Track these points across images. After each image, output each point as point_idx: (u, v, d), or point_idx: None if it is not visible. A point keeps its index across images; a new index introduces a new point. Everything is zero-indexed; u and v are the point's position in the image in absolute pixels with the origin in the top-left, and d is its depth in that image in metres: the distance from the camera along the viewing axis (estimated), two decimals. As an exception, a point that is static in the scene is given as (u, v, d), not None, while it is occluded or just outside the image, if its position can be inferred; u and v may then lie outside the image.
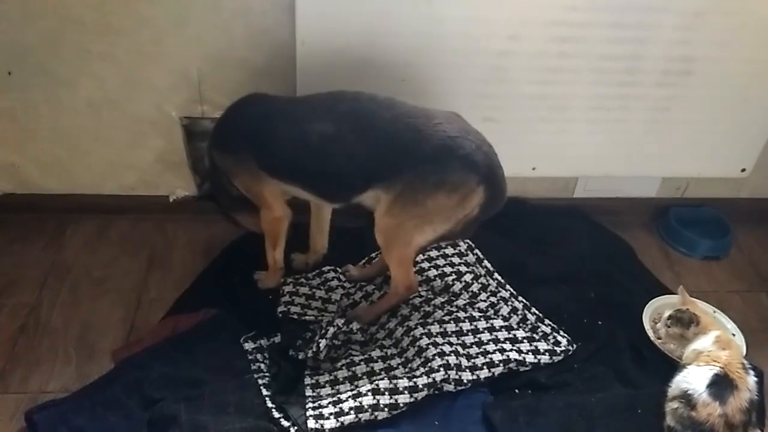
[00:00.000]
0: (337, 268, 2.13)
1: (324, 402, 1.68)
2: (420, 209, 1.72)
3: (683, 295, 1.87)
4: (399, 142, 1.69)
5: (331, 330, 1.82)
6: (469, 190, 1.71)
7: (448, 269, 2.13)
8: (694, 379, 1.60)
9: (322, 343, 1.79)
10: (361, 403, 1.66)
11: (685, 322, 1.76)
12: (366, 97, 1.75)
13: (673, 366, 1.81)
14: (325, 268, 2.12)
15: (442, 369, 1.74)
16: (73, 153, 2.19)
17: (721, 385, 1.56)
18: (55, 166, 2.21)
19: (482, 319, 1.97)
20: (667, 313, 1.80)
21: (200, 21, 1.95)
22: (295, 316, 1.94)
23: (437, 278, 2.10)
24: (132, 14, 1.92)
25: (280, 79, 2.02)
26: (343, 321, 1.86)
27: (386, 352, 1.85)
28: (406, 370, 1.78)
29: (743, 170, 2.33)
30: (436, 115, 1.73)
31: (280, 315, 1.94)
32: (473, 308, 2.00)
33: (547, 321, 2.00)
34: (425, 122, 1.70)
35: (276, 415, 1.67)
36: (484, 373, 1.78)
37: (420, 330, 1.86)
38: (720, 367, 1.59)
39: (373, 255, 2.18)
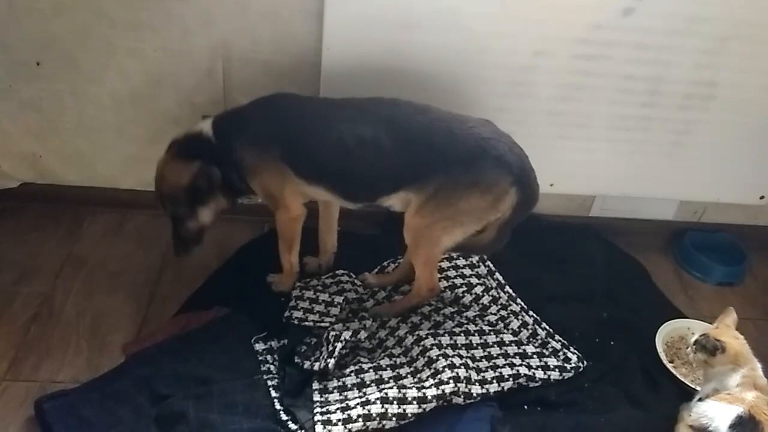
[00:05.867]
0: (351, 273, 2.13)
1: (332, 408, 1.68)
2: (452, 210, 1.74)
3: (725, 316, 1.75)
4: (433, 145, 1.71)
5: (339, 346, 1.81)
6: (502, 190, 1.72)
7: (458, 281, 2.13)
8: (715, 416, 1.53)
9: (331, 362, 1.77)
10: (369, 411, 1.65)
11: (709, 350, 1.66)
12: (403, 102, 1.77)
13: (685, 391, 1.80)
14: (339, 272, 2.12)
15: (451, 381, 1.73)
16: (95, 146, 2.21)
17: (746, 427, 1.50)
18: (77, 158, 2.24)
19: (492, 333, 1.96)
20: (693, 338, 1.73)
21: (228, 22, 1.97)
22: (296, 321, 1.94)
23: (447, 290, 2.10)
24: (161, 12, 1.94)
25: (304, 84, 2.02)
26: (350, 334, 1.86)
27: (395, 361, 1.85)
28: (415, 380, 1.77)
29: (762, 197, 2.32)
30: (469, 120, 1.76)
31: (284, 320, 1.95)
32: (483, 321, 2.00)
33: (557, 337, 1.99)
34: (459, 126, 1.73)
35: (284, 417, 1.67)
36: (493, 387, 1.78)
37: (430, 340, 1.86)
38: (745, 408, 1.53)
39: (385, 263, 2.19)
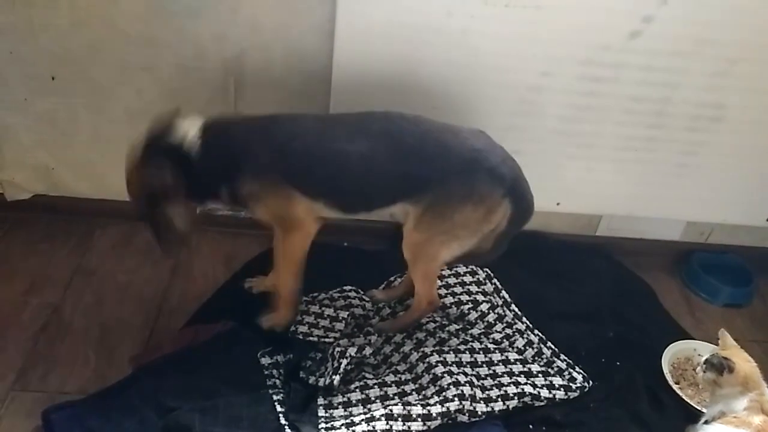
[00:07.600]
0: (359, 289, 2.13)
1: (337, 423, 1.68)
2: (447, 224, 1.74)
3: (723, 339, 1.74)
4: (427, 157, 1.71)
5: (344, 362, 1.81)
6: (495, 202, 1.73)
7: (464, 297, 2.13)
8: None
9: (336, 379, 1.78)
10: (374, 427, 1.65)
11: (717, 368, 1.64)
12: (395, 115, 1.77)
13: (691, 413, 1.79)
14: (347, 287, 2.13)
15: (456, 399, 1.73)
16: (108, 159, 2.22)
17: None
18: (89, 171, 2.26)
19: (497, 351, 1.96)
20: (704, 357, 1.71)
21: (240, 39, 2.00)
22: (301, 336, 1.94)
23: (453, 306, 2.10)
24: (175, 29, 1.98)
25: (314, 100, 2.05)
26: (355, 350, 1.86)
27: (400, 377, 1.85)
28: (420, 396, 1.77)
29: (768, 220, 2.32)
30: (462, 130, 1.76)
31: (290, 335, 1.95)
32: (488, 339, 2.00)
33: (562, 356, 1.99)
34: (452, 137, 1.73)
35: (288, 432, 1.67)
36: (498, 406, 1.78)
37: (435, 357, 1.86)
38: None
39: (392, 279, 2.19)
